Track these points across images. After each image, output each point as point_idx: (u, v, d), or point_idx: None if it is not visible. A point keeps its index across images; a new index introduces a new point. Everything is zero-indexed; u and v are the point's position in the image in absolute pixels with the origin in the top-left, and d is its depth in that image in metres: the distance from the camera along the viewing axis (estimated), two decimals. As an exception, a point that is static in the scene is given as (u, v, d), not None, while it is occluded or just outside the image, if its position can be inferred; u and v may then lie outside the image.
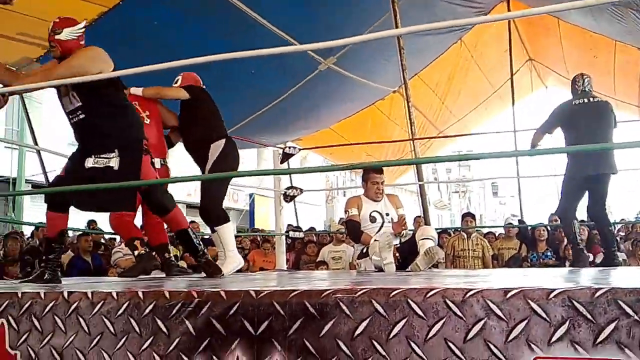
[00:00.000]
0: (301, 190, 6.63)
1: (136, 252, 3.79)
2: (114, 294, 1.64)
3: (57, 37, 3.24)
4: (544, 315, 1.25)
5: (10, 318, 1.74)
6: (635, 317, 1.20)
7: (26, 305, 1.73)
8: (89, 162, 3.17)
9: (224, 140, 4.19)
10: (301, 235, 6.99)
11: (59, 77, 3.02)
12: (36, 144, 8.05)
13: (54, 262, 3.18)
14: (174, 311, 1.54)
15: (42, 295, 1.73)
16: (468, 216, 7.47)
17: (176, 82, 4.45)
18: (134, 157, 3.23)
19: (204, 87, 4.49)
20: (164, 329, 1.55)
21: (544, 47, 11.65)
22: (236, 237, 7.78)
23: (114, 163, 3.18)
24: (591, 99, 4.86)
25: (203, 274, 3.53)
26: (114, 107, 3.28)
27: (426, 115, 11.31)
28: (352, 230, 4.60)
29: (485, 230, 8.65)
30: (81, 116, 3.22)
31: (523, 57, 11.92)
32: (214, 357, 1.49)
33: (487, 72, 11.47)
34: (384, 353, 1.34)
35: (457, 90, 11.52)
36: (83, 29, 3.37)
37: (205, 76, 4.94)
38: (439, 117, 11.90)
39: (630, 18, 7.64)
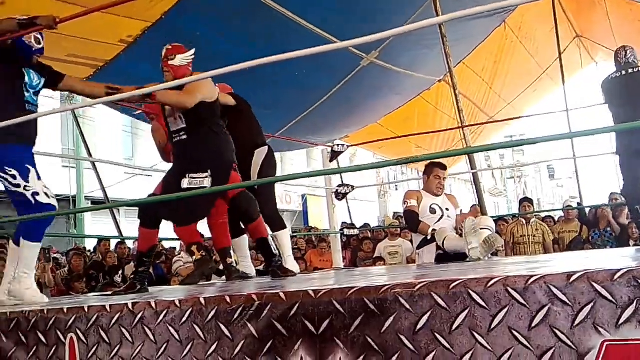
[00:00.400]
0: (352, 187, 6.62)
1: (194, 258, 3.87)
2: (177, 302, 1.68)
3: (170, 62, 3.57)
4: (609, 297, 1.22)
5: (79, 332, 1.81)
6: None
7: (93, 319, 1.79)
8: (185, 183, 3.44)
9: (266, 147, 4.30)
10: (356, 232, 6.98)
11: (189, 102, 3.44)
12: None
13: (144, 274, 3.46)
14: (236, 315, 1.57)
15: (108, 308, 1.78)
16: (525, 201, 7.33)
17: None
18: (224, 178, 3.51)
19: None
20: (228, 334, 1.57)
21: (591, 23, 11.30)
22: (291, 237, 7.82)
23: (207, 183, 3.45)
24: (632, 70, 4.68)
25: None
26: (213, 132, 3.56)
27: (474, 101, 11.14)
28: (410, 219, 4.59)
29: (544, 215, 8.45)
30: (183, 137, 3.54)
31: (570, 34, 11.59)
32: (278, 358, 1.50)
33: (534, 52, 11.21)
34: (447, 346, 1.33)
35: (504, 73, 11.30)
36: (192, 56, 3.68)
37: (250, 81, 5.00)
38: (487, 103, 11.70)
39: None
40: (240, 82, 5.91)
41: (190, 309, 1.64)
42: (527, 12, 10.07)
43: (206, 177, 3.48)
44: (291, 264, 4.29)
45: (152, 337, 1.69)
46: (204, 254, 3.86)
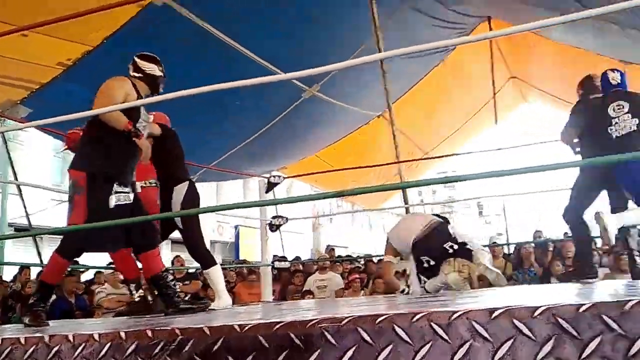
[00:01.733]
0: (287, 219, 6.62)
1: (136, 294, 3.78)
2: (96, 336, 1.61)
3: None
4: (529, 333, 1.25)
5: (-10, 364, 1.71)
6: (619, 330, 1.19)
7: (6, 351, 1.70)
8: (112, 201, 3.35)
9: (186, 183, 4.22)
10: (287, 265, 6.95)
11: None
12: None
13: (45, 307, 3.24)
14: (157, 350, 1.52)
15: (23, 341, 1.69)
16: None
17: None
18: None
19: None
20: (148, 369, 1.52)
21: (526, 64, 11.80)
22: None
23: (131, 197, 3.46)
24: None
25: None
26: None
27: (411, 137, 11.36)
28: None
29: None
30: None
31: (505, 74, 12.06)
32: (199, 394, 1.46)
33: (470, 91, 11.59)
34: (370, 381, 1.33)
35: (440, 110, 11.61)
36: None
37: (189, 110, 4.95)
38: (423, 139, 11.96)
39: (612, 31, 7.77)
40: (181, 110, 5.86)
41: (109, 343, 1.58)
42: (465, 51, 10.42)
43: (129, 191, 3.43)
44: (224, 298, 4.25)
45: (68, 371, 1.61)
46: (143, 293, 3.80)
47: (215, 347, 1.46)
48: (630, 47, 8.12)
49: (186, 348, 1.49)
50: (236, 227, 17.08)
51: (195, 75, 6.14)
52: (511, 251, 8.04)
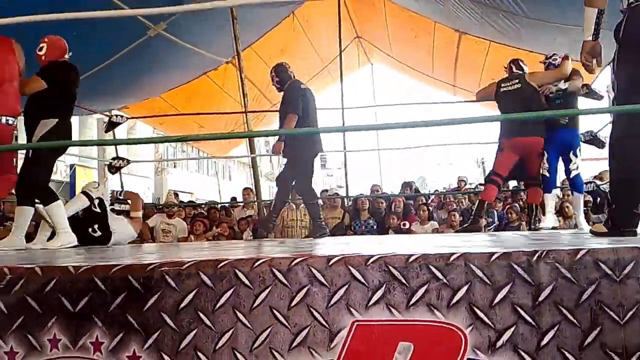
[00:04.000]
0: (128, 161, 6.37)
1: None
2: None
3: None
4: (362, 280, 1.33)
5: None
6: (444, 280, 1.31)
7: None
8: None
9: (56, 120, 4.18)
10: (126, 208, 6.72)
11: None
12: None
13: None
14: (-17, 289, 1.42)
15: None
16: (296, 188, 7.67)
17: (40, 50, 4.40)
18: None
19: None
20: (-29, 309, 1.42)
21: (371, 25, 12.17)
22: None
23: None
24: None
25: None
26: None
27: (259, 87, 11.34)
28: None
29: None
30: None
31: (351, 34, 12.36)
32: (29, 335, 1.39)
33: (317, 47, 11.75)
34: (209, 324, 1.35)
35: (289, 63, 11.67)
36: None
37: (23, 38, 4.57)
38: (271, 90, 11.99)
39: (449, 3, 8.22)
40: (19, 37, 5.34)
41: None
42: (314, 6, 10.51)
43: None
44: (65, 236, 4.08)
45: None
46: None
47: (48, 288, 1.40)
48: (467, 20, 8.66)
49: (16, 288, 1.41)
50: (72, 166, 16.10)
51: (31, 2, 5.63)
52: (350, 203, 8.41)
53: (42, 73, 4.35)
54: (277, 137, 5.37)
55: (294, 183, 5.38)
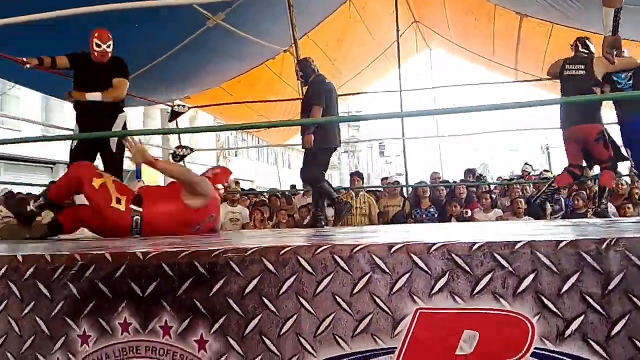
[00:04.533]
0: (191, 150, 6.51)
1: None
2: (-9, 259, 1.55)
3: None
4: (425, 268, 1.32)
5: None
6: (510, 268, 1.28)
7: None
8: None
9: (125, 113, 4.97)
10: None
11: None
12: None
13: None
14: (57, 275, 1.49)
15: None
16: (356, 175, 7.68)
17: (109, 47, 4.88)
18: None
19: None
20: (47, 293, 1.49)
21: (429, 10, 11.99)
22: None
23: None
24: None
25: None
26: None
27: (317, 75, 11.34)
28: None
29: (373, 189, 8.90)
30: None
31: (409, 19, 12.20)
32: (101, 320, 1.45)
33: (375, 33, 11.66)
34: (274, 309, 1.37)
35: (346, 51, 11.64)
36: None
37: (85, 29, 4.73)
38: (329, 78, 11.99)
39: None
40: (75, 31, 5.51)
41: (6, 267, 1.53)
42: (371, -8, 10.44)
43: None
44: None
45: (-40, 295, 1.55)
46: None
47: (118, 274, 1.45)
48: (529, 2, 8.41)
49: (87, 274, 1.47)
50: (138, 155, 16.54)
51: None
52: (410, 192, 8.35)
53: (120, 72, 4.89)
54: (305, 130, 5.46)
55: (305, 171, 5.56)
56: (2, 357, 1.52)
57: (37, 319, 1.50)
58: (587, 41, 5.29)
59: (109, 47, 4.87)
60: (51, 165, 19.88)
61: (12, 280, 1.53)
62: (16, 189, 8.39)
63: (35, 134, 15.83)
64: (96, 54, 4.85)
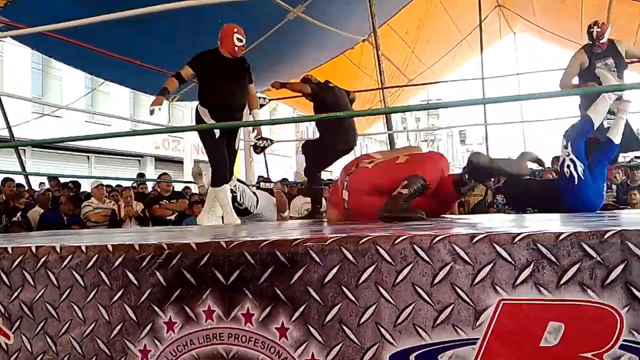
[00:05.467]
0: (272, 141, 6.60)
1: None
2: (83, 248, 1.63)
3: None
4: (508, 258, 1.29)
5: (-23, 274, 1.73)
6: (598, 258, 1.23)
7: (-7, 261, 1.72)
8: None
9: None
10: (272, 186, 7.00)
11: None
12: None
13: None
14: (144, 263, 1.55)
15: (10, 250, 1.71)
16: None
17: (242, 42, 5.09)
18: None
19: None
20: (135, 281, 1.56)
21: (513, -7, 11.62)
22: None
23: None
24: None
25: None
26: None
27: (396, 64, 11.27)
28: None
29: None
30: None
31: (492, 3, 11.87)
32: (186, 307, 1.50)
33: (456, 19, 11.42)
34: (353, 298, 1.37)
35: (426, 38, 11.47)
36: None
37: (172, 25, 4.89)
38: (408, 66, 11.87)
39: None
40: (159, 26, 5.69)
41: (97, 256, 1.61)
42: (452, -23, 10.22)
43: None
44: (229, 217, 4.93)
45: (55, 282, 1.64)
46: None
47: (202, 262, 1.50)
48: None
49: (173, 262, 1.52)
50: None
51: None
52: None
53: (249, 71, 5.20)
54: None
55: (307, 165, 5.68)
56: (92, 343, 1.60)
57: (125, 306, 1.57)
58: None
59: (241, 42, 5.05)
60: (139, 158, 20.71)
61: (102, 269, 1.60)
62: (105, 182, 8.80)
63: (124, 128, 16.58)
64: (236, 48, 5.00)
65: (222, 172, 4.94)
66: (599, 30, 5.21)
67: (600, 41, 5.20)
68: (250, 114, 5.18)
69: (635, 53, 5.27)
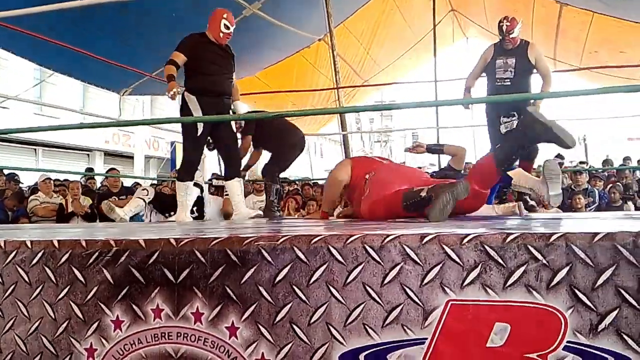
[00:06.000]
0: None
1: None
2: (28, 243, 1.59)
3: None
4: (457, 259, 1.31)
5: None
6: (544, 260, 1.26)
7: None
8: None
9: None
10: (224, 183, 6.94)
11: None
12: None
13: None
14: (92, 260, 1.51)
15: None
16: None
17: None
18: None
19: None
20: (81, 278, 1.52)
21: (466, -2, 11.83)
22: (158, 184, 7.67)
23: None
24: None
25: None
26: None
27: (351, 64, 11.33)
28: None
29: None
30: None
31: (446, 7, 12.06)
32: (134, 305, 1.48)
33: (410, 22, 11.56)
34: (304, 298, 1.37)
35: (381, 40, 11.57)
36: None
37: (124, 18, 4.79)
38: (363, 67, 11.95)
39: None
40: (113, 18, 5.57)
41: (42, 251, 1.56)
42: (407, -20, 10.34)
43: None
44: (242, 210, 4.95)
45: (-3, 279, 1.59)
46: None
47: (151, 260, 1.47)
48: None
49: (121, 259, 1.49)
50: (172, 143, 16.78)
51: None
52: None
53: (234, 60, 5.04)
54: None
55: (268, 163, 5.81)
56: (37, 341, 1.56)
57: (72, 303, 1.53)
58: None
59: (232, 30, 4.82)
60: (87, 152, 20.25)
61: (47, 265, 1.56)
62: (53, 176, 8.59)
63: (73, 121, 16.17)
64: (221, 34, 4.77)
65: (189, 169, 4.85)
66: (508, 24, 5.28)
67: (510, 36, 5.25)
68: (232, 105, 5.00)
69: (540, 65, 5.28)
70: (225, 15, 4.73)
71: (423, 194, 2.84)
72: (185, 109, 4.76)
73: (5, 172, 8.94)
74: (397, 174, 3.29)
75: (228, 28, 4.74)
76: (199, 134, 4.68)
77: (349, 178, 3.54)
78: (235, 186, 4.94)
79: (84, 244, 1.54)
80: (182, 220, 4.77)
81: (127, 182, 9.87)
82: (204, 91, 4.70)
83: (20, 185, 8.95)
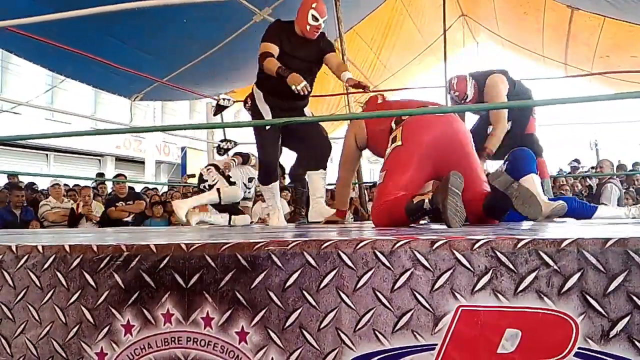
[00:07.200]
0: (235, 143, 6.57)
1: None
2: (40, 248, 1.60)
3: None
4: (467, 265, 1.30)
5: None
6: (555, 266, 1.26)
7: (-54, 259, 1.67)
8: None
9: None
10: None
11: None
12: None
13: None
14: (102, 265, 1.52)
15: (-37, 250, 1.67)
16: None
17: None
18: None
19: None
20: (92, 283, 1.53)
21: (477, 3, 11.80)
22: (169, 190, 7.71)
23: None
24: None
25: None
26: None
27: (361, 69, 11.33)
28: None
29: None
30: None
31: (456, 12, 12.05)
32: (145, 310, 1.48)
33: (420, 27, 11.56)
34: (313, 303, 1.37)
35: (391, 45, 11.57)
36: None
37: (138, 23, 4.81)
38: (373, 72, 11.95)
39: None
40: (122, 24, 5.60)
41: (54, 256, 1.57)
42: (417, -15, 10.34)
43: None
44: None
45: (10, 282, 1.60)
46: None
47: (162, 265, 1.48)
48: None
49: (132, 264, 1.50)
50: (183, 148, 16.85)
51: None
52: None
53: (332, 46, 4.66)
54: None
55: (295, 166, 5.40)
56: (48, 345, 1.56)
57: (82, 308, 1.54)
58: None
59: (324, 22, 4.16)
60: (99, 158, 20.37)
61: (59, 270, 1.57)
62: (64, 181, 8.64)
63: (85, 127, 16.31)
64: (308, 27, 4.16)
65: (268, 168, 4.48)
66: (457, 93, 4.80)
67: (467, 100, 4.80)
68: (340, 78, 4.43)
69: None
70: (314, 5, 4.08)
71: (426, 206, 2.83)
72: (252, 104, 4.45)
73: (22, 179, 9.02)
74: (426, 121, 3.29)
75: (316, 20, 4.11)
76: (267, 128, 4.27)
77: (365, 133, 3.53)
78: (319, 180, 4.64)
79: (95, 248, 1.55)
80: (276, 225, 4.42)
81: (138, 187, 9.92)
82: (274, 91, 4.31)
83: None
